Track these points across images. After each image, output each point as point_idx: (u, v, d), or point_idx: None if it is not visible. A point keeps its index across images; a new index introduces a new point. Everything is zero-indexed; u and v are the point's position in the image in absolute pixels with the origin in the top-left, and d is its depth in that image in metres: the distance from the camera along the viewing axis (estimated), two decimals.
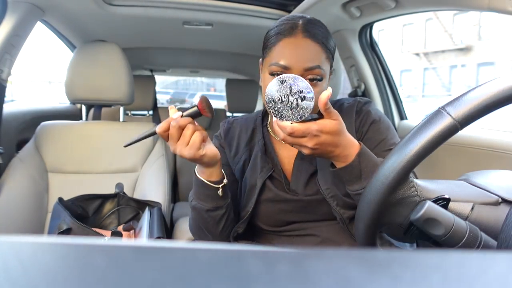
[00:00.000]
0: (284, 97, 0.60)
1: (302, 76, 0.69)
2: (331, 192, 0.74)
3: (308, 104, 0.59)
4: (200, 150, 0.67)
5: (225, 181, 0.74)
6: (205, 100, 0.72)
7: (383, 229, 0.54)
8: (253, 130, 0.86)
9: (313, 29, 0.71)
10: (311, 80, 0.70)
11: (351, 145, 0.63)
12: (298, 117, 0.60)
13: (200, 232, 0.80)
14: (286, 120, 0.61)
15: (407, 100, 14.25)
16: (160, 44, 1.96)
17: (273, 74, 0.70)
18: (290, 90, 0.59)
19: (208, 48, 1.99)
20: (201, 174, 0.73)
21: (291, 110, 0.60)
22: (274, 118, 0.62)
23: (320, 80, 0.70)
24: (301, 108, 0.60)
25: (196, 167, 0.74)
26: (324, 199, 0.75)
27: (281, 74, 0.71)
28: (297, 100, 0.59)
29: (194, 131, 0.67)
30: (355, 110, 0.80)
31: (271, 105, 0.61)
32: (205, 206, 0.74)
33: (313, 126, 0.59)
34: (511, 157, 0.98)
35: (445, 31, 15.49)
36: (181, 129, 0.67)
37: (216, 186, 0.73)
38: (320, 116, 0.61)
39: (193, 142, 0.66)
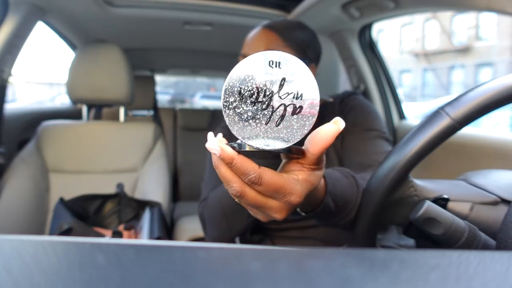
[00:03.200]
0: (265, 95, 0.30)
1: None
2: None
3: (303, 124, 0.30)
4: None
5: None
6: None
7: (382, 230, 0.54)
8: None
9: (275, 23, 0.76)
10: None
11: (320, 188, 0.45)
12: (278, 143, 0.30)
13: (234, 212, 0.68)
14: (241, 144, 0.32)
15: (406, 100, 14.25)
16: (160, 45, 1.96)
17: None
18: (281, 86, 0.30)
19: (208, 48, 1.99)
20: None
21: (266, 125, 0.30)
22: (213, 145, 0.32)
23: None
24: (288, 128, 0.30)
25: None
26: None
27: None
28: (285, 109, 0.30)
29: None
30: (338, 101, 0.82)
31: (231, 99, 0.30)
32: None
33: (297, 185, 0.34)
34: (511, 157, 0.98)
35: (444, 31, 15.49)
36: None
37: None
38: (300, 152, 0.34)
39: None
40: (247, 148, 0.31)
